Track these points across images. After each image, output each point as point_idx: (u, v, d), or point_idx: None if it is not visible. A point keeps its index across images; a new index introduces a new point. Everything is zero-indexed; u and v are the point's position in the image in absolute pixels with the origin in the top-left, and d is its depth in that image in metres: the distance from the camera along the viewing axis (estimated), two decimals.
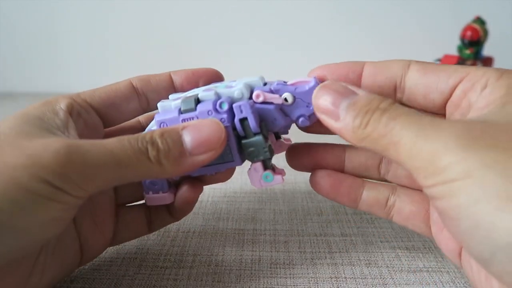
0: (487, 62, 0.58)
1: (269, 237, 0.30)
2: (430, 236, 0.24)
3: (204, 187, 0.27)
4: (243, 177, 0.38)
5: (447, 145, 0.16)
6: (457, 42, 0.57)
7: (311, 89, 0.23)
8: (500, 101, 0.18)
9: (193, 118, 0.23)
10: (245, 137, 0.23)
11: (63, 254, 0.23)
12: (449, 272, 0.26)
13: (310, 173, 0.26)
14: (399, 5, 0.67)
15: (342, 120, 0.20)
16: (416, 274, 0.26)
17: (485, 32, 0.56)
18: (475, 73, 0.20)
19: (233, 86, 0.23)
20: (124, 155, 0.20)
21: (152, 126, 0.25)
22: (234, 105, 0.22)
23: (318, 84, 0.23)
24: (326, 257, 0.28)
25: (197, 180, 0.26)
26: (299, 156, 0.26)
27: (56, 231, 0.20)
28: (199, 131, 0.21)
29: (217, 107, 0.22)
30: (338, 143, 0.26)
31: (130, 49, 0.72)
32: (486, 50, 0.58)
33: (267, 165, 0.24)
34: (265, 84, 0.24)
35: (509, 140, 0.16)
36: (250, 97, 0.23)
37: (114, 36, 0.71)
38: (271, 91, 0.23)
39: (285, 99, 0.23)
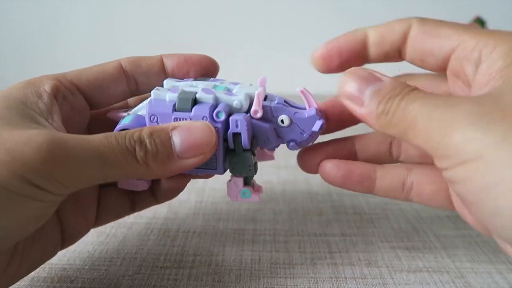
0: None
1: (269, 237, 0.30)
2: (454, 210, 0.23)
3: (205, 187, 0.27)
4: None
5: (457, 124, 0.16)
6: None
7: (310, 118, 0.22)
8: (499, 75, 0.18)
9: (186, 119, 0.22)
10: (234, 150, 0.23)
11: (43, 241, 0.22)
12: (449, 272, 0.26)
13: (309, 173, 0.26)
14: (399, 5, 0.67)
15: (366, 107, 0.20)
16: (416, 274, 0.26)
17: None
18: (466, 44, 0.20)
19: (233, 93, 0.23)
20: (110, 153, 0.19)
21: (140, 109, 0.24)
22: (231, 118, 0.22)
23: (318, 114, 0.23)
24: (326, 257, 0.28)
25: None
26: (311, 159, 0.26)
27: (35, 227, 0.20)
28: (190, 134, 0.21)
29: (214, 115, 0.22)
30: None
31: (130, 49, 0.71)
32: None
33: (248, 182, 0.24)
34: (265, 97, 0.23)
35: None
36: (249, 109, 0.22)
37: (114, 36, 0.71)
38: (271, 109, 0.22)
39: (282, 121, 0.23)
